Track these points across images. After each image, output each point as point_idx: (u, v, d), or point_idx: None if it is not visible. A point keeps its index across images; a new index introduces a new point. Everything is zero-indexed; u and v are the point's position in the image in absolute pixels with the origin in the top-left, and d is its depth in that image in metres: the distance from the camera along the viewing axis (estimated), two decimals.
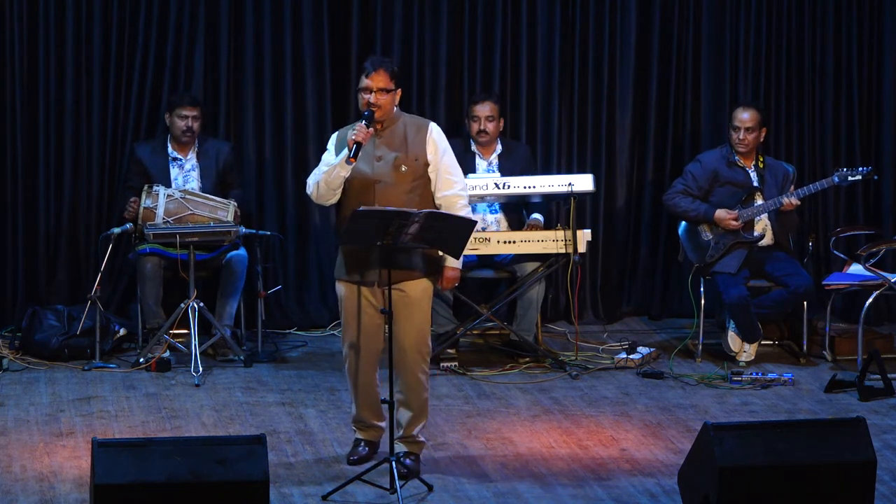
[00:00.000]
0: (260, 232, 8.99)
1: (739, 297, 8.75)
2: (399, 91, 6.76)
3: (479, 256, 8.84)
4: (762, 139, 9.10)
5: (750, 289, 8.87)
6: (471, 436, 7.44)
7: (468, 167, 9.03)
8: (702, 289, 9.03)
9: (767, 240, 9.02)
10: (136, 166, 9.10)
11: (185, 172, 9.07)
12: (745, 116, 9.01)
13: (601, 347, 9.30)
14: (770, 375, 8.48)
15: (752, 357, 8.89)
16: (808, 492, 5.94)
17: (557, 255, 8.71)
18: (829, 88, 10.02)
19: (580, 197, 8.94)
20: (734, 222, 8.87)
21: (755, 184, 9.02)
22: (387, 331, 6.71)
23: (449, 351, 8.82)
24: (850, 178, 8.94)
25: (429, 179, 6.76)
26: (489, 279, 9.19)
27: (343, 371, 7.01)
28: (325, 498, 6.49)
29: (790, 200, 8.84)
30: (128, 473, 5.62)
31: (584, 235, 8.69)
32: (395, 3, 9.66)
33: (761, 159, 9.10)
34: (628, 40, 9.90)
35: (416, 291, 6.71)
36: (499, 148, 9.25)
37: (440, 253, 6.73)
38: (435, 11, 9.73)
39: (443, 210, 6.68)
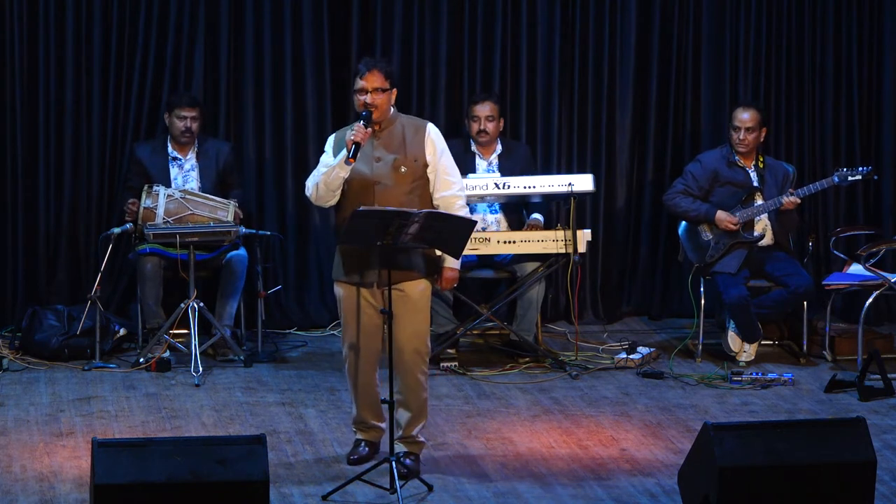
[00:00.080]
0: (260, 232, 8.99)
1: (739, 297, 8.75)
2: (394, 91, 6.77)
3: (479, 256, 8.84)
4: (762, 139, 9.10)
5: (750, 289, 8.87)
6: (471, 436, 7.44)
7: (468, 167, 9.03)
8: (702, 289, 9.03)
9: (767, 240, 9.02)
10: (135, 166, 9.10)
11: (185, 172, 9.07)
12: (745, 116, 9.01)
13: (601, 347, 9.30)
14: (770, 375, 8.48)
15: (752, 357, 8.89)
16: (808, 492, 5.94)
17: (557, 255, 8.71)
18: (829, 88, 10.02)
19: (580, 197, 8.94)
20: (733, 226, 8.87)
21: (755, 184, 9.02)
22: (386, 331, 6.71)
23: (449, 351, 8.82)
24: (850, 178, 8.94)
25: (428, 180, 6.76)
26: (489, 279, 9.19)
27: (343, 371, 7.01)
28: (325, 498, 6.49)
29: (790, 199, 8.83)
30: (128, 473, 5.62)
31: (584, 235, 8.69)
32: (395, 3, 9.66)
33: (761, 159, 9.10)
34: (628, 40, 9.90)
35: (415, 292, 6.71)
36: (499, 148, 9.24)
37: (439, 253, 6.73)
38: (435, 11, 9.73)
39: (441, 210, 6.68)
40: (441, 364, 8.65)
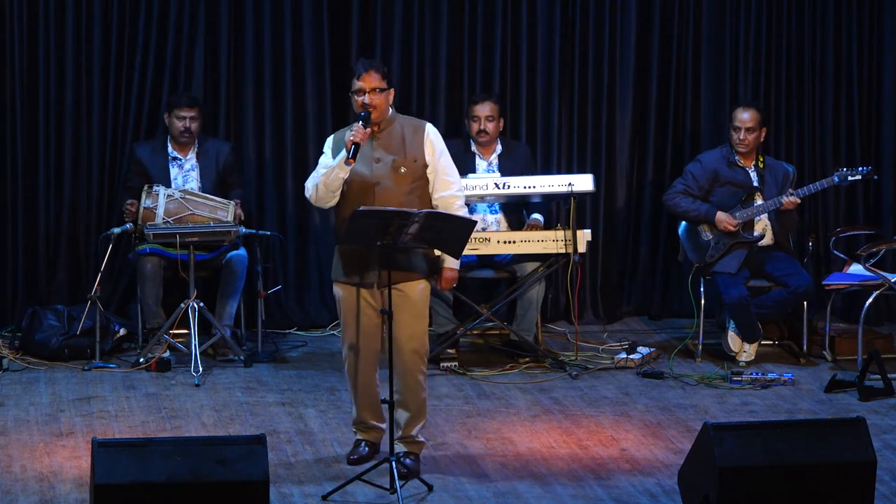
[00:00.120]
0: (260, 232, 8.99)
1: (739, 297, 8.75)
2: (392, 91, 6.78)
3: (479, 256, 8.84)
4: (762, 139, 9.10)
5: (750, 289, 8.87)
6: (471, 436, 7.44)
7: (468, 167, 9.03)
8: (702, 289, 9.03)
9: (767, 240, 9.02)
10: (135, 166, 9.10)
11: (185, 172, 9.07)
12: (745, 116, 9.01)
13: (601, 347, 9.30)
14: (770, 375, 8.48)
15: (752, 357, 8.89)
16: (808, 492, 5.94)
17: (557, 255, 8.71)
18: (829, 88, 10.02)
19: (580, 197, 8.94)
20: (732, 228, 8.88)
21: (755, 184, 9.02)
22: (386, 332, 6.71)
23: (449, 351, 8.81)
24: (850, 178, 8.94)
25: (427, 180, 6.76)
26: (489, 279, 9.19)
27: (343, 371, 7.01)
28: (325, 498, 6.49)
29: (790, 199, 8.83)
30: (128, 473, 5.62)
31: (584, 235, 8.69)
32: (395, 3, 9.66)
33: (761, 159, 9.10)
34: (628, 40, 9.90)
35: (415, 292, 6.72)
36: (499, 148, 9.24)
37: (438, 253, 6.74)
38: (435, 11, 9.73)
39: (440, 210, 6.68)
40: (441, 364, 8.65)
